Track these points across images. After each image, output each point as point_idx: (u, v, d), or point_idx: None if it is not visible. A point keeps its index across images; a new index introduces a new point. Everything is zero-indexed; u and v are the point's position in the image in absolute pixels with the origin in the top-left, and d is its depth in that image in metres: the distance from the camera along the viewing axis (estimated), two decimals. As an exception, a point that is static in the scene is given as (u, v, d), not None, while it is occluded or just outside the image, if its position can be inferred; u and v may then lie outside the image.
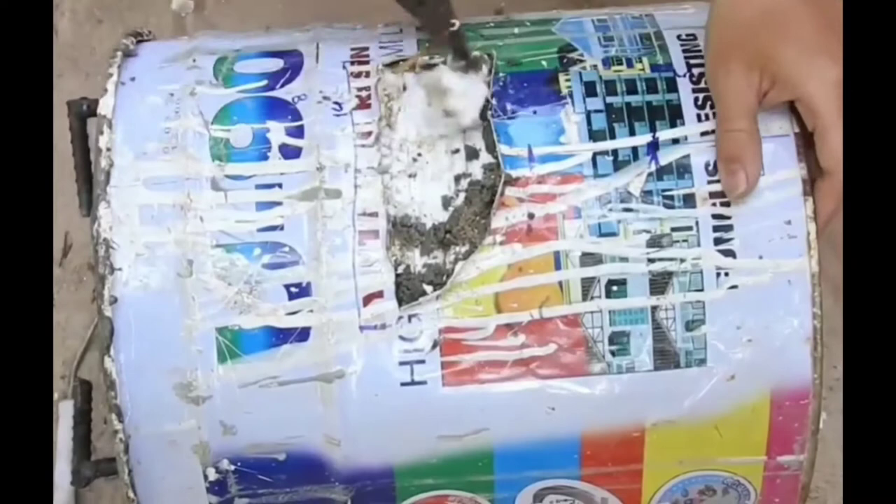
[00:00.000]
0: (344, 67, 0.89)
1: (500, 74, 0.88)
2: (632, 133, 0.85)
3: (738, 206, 0.84)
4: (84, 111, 0.93)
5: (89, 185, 0.88)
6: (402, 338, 0.84)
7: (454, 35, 0.88)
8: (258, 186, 0.85)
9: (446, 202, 0.85)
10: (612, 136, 0.85)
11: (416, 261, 0.84)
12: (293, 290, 0.83)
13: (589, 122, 0.86)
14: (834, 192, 0.84)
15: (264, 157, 0.85)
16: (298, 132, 0.86)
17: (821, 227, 0.85)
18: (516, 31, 0.93)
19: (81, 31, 1.40)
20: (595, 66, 0.88)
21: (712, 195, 0.84)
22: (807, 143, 0.85)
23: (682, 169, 0.85)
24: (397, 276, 0.84)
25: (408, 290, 0.84)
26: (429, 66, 0.89)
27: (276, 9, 1.39)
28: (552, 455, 0.87)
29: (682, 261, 0.84)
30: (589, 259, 0.84)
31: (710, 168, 0.85)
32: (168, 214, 0.84)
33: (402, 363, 0.84)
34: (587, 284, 0.84)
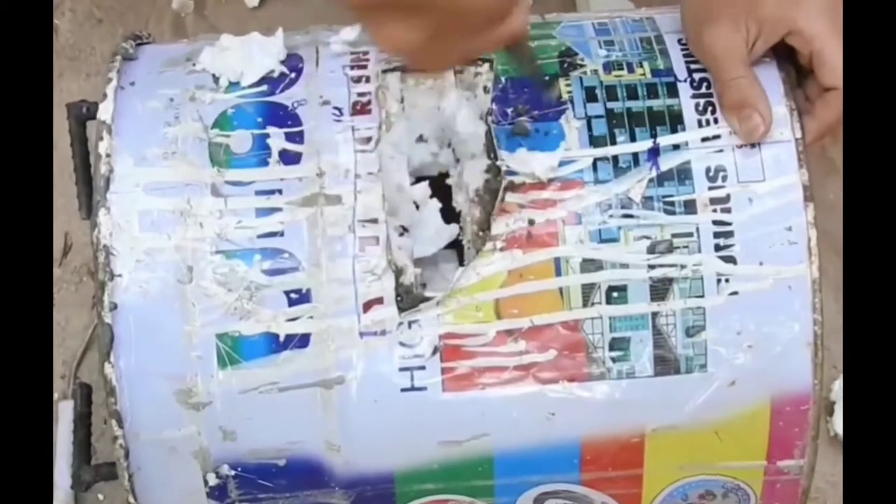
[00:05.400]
0: (344, 72, 0.89)
1: (501, 79, 0.88)
2: (632, 139, 0.85)
3: (739, 213, 0.84)
4: (83, 114, 0.93)
5: (89, 188, 0.88)
6: (402, 344, 0.83)
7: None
8: (258, 192, 0.84)
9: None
10: (613, 142, 0.85)
11: (416, 267, 0.84)
12: (293, 296, 0.83)
13: (589, 128, 0.86)
14: (833, 109, 0.84)
15: (264, 163, 0.85)
16: (298, 137, 0.86)
17: (809, 143, 0.85)
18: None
19: (81, 31, 1.39)
20: (596, 71, 0.88)
21: (713, 201, 0.84)
22: (797, 76, 0.87)
23: (682, 175, 0.85)
24: (397, 282, 0.84)
25: (408, 296, 0.84)
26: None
27: (277, 9, 1.38)
28: (552, 460, 0.87)
29: (683, 267, 0.84)
30: (589, 265, 0.84)
31: (711, 174, 0.85)
32: (168, 220, 0.84)
33: (402, 369, 0.84)
34: (588, 290, 0.84)
